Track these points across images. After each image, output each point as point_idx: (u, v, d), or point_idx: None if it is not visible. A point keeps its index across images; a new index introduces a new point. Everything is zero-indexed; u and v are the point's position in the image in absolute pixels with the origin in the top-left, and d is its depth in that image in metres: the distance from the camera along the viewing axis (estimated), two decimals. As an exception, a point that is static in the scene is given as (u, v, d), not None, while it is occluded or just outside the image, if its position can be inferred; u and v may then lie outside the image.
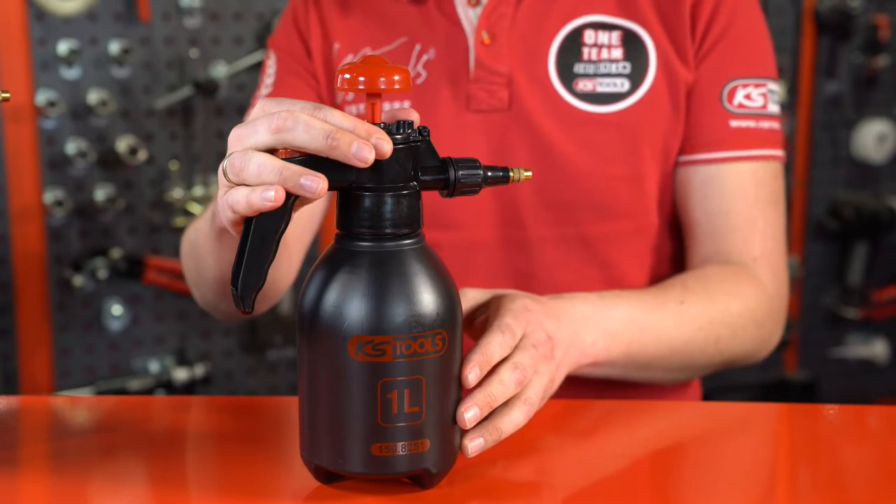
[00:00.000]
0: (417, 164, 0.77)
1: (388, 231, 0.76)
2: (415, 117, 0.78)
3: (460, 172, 0.79)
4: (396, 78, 0.75)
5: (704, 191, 1.12)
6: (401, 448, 0.76)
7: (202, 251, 1.06)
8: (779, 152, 1.15)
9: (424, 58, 1.15)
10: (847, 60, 2.72)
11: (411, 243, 0.76)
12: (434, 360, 0.76)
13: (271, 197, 0.72)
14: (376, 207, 0.75)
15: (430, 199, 0.80)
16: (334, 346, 0.75)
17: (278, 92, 1.18)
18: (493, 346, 0.82)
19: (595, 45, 1.12)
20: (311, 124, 0.72)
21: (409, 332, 0.74)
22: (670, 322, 1.02)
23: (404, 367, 0.75)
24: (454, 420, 0.79)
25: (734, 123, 1.12)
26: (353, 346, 0.74)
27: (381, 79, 0.75)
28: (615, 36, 1.12)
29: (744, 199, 1.12)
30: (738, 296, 1.08)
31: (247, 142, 0.75)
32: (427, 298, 0.75)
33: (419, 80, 1.15)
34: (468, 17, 1.14)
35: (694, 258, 1.15)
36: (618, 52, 1.12)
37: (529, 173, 0.81)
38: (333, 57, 1.19)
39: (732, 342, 1.07)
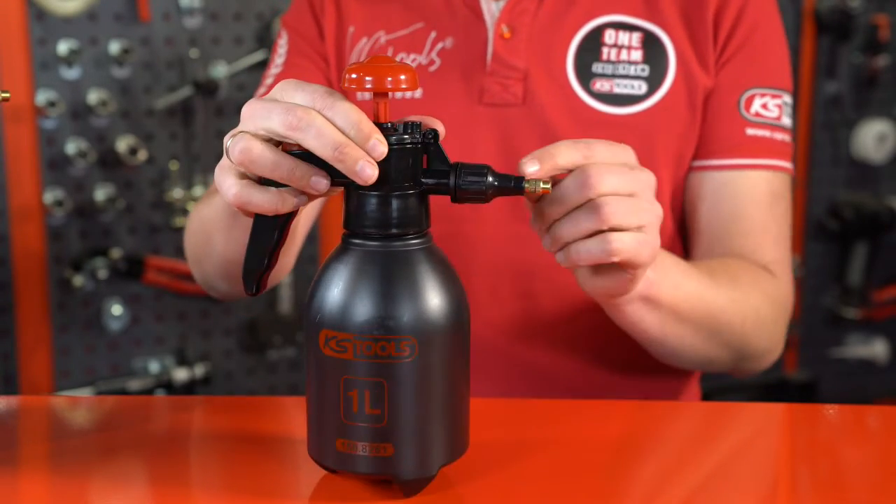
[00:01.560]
0: (419, 166, 0.77)
1: (376, 231, 0.75)
2: (438, 127, 0.77)
3: (461, 179, 0.77)
4: (403, 77, 0.75)
5: (717, 195, 1.12)
6: (361, 448, 0.76)
7: (213, 227, 1.06)
8: (789, 165, 1.14)
9: (439, 45, 1.14)
10: (847, 60, 2.72)
11: (402, 245, 0.76)
12: (400, 366, 0.74)
13: (304, 201, 0.77)
14: (366, 206, 0.75)
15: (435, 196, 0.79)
16: (312, 337, 0.76)
17: (288, 73, 1.18)
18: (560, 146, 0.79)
19: (615, 45, 1.11)
20: (322, 131, 0.73)
21: (370, 333, 0.73)
22: (707, 281, 1.01)
23: (365, 368, 0.74)
24: (437, 431, 0.77)
25: (750, 131, 1.11)
26: (322, 340, 0.75)
27: (388, 78, 0.75)
28: (636, 37, 1.11)
29: (757, 205, 1.11)
30: (759, 287, 1.07)
31: (260, 123, 0.76)
32: (398, 302, 0.73)
33: (432, 68, 1.14)
34: (490, 9, 1.13)
35: (702, 260, 1.13)
36: (637, 54, 1.11)
37: (549, 186, 0.78)
38: (347, 40, 1.18)
39: (754, 328, 1.06)
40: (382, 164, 0.74)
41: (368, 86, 0.75)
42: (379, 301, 0.74)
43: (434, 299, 0.75)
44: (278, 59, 1.21)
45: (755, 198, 1.11)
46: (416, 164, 0.76)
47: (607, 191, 0.79)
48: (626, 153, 0.82)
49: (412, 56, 1.14)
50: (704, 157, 1.13)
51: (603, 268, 0.85)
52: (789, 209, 1.15)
